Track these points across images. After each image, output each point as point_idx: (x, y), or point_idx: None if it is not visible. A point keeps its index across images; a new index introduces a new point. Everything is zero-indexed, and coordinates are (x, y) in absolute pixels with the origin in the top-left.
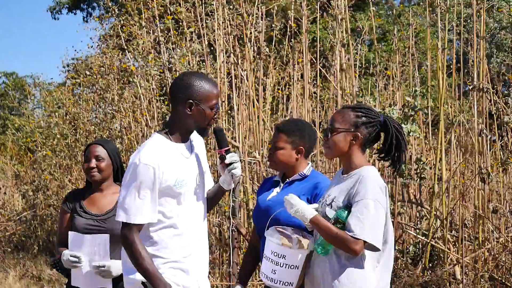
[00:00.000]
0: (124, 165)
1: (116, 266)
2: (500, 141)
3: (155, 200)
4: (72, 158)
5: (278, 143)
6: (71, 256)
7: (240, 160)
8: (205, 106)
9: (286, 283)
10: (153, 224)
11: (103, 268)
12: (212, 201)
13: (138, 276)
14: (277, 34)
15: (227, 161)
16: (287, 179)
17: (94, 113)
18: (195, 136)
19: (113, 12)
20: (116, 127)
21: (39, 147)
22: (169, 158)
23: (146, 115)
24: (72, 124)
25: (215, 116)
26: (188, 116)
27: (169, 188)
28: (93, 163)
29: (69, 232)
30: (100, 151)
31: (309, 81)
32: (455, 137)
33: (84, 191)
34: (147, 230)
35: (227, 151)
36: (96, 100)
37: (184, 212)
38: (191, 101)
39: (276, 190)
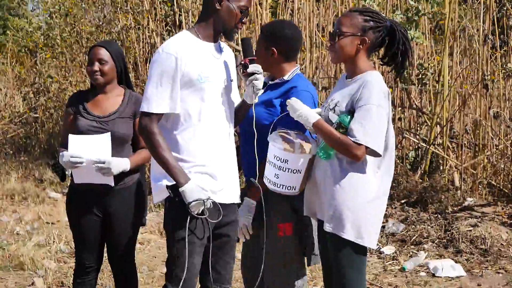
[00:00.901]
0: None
1: (116, 163)
2: (503, 48)
3: (176, 90)
4: (72, 60)
5: (257, 45)
6: (71, 157)
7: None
8: (234, 4)
9: (289, 187)
10: (177, 125)
11: (102, 165)
12: (237, 116)
13: (164, 182)
14: None
15: (249, 70)
16: (269, 82)
17: (95, 14)
18: (227, 49)
19: None
20: (117, 29)
21: (39, 49)
22: (193, 51)
23: (148, 16)
24: (73, 25)
25: (243, 20)
26: (216, 11)
27: (191, 81)
28: (96, 66)
29: (69, 136)
30: (103, 53)
31: None
32: (458, 44)
33: (88, 93)
34: (171, 133)
35: (251, 61)
36: (98, 1)
37: (208, 111)
38: None
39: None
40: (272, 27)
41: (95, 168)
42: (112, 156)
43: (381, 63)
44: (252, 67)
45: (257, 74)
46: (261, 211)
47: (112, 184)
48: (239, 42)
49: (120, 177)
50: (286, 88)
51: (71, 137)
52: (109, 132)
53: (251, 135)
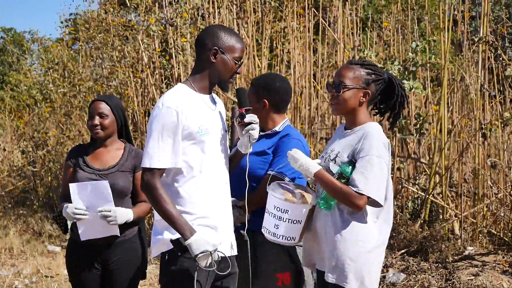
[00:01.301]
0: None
1: (121, 212)
2: (500, 96)
3: (178, 144)
4: (70, 115)
5: (248, 96)
6: (75, 209)
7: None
8: (229, 57)
9: (289, 238)
10: (178, 177)
11: (109, 213)
12: (230, 166)
13: (166, 235)
14: None
15: (246, 120)
16: (268, 131)
17: (93, 69)
18: (219, 100)
19: None
20: (115, 84)
21: (38, 104)
22: (192, 105)
23: (147, 71)
24: (70, 80)
25: (238, 70)
26: (212, 64)
27: (192, 134)
28: (97, 120)
29: (70, 184)
30: (104, 107)
31: (308, 34)
32: (455, 93)
33: (89, 146)
34: (172, 186)
35: (247, 111)
36: (95, 56)
37: (209, 163)
38: (216, 48)
39: None
40: (263, 80)
41: (100, 219)
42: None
43: (375, 113)
44: (249, 117)
45: (254, 123)
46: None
47: (118, 233)
48: (234, 92)
49: (121, 229)
50: (278, 138)
51: (72, 186)
52: (107, 180)
53: (242, 184)
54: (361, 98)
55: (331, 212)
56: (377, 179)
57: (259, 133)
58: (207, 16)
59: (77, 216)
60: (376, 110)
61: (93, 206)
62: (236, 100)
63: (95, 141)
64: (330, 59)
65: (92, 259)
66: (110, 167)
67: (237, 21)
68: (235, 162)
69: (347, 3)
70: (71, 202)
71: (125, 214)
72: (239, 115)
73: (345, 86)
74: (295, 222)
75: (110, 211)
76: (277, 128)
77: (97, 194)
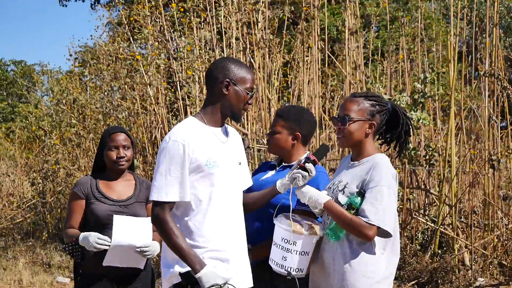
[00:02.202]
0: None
1: (156, 246)
2: (510, 127)
3: (185, 177)
4: (79, 147)
5: (276, 128)
6: (98, 238)
7: (249, 147)
8: (241, 88)
9: (297, 270)
10: (188, 211)
11: (147, 248)
12: (260, 201)
13: (177, 268)
14: (286, 19)
15: (307, 166)
16: (283, 164)
17: (102, 101)
18: (233, 132)
19: (118, 0)
20: (124, 116)
21: (47, 135)
22: (200, 137)
23: (153, 103)
24: (80, 112)
25: (250, 101)
26: (224, 96)
27: (200, 167)
28: (123, 152)
29: (114, 216)
30: (127, 139)
31: (318, 66)
32: (465, 124)
33: (97, 177)
34: (182, 220)
35: (314, 163)
36: (104, 88)
37: (218, 195)
38: (228, 80)
39: (271, 172)
40: (294, 113)
41: (134, 252)
42: None
43: (382, 143)
44: (310, 167)
45: (309, 174)
46: None
47: (142, 267)
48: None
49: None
50: None
51: (117, 218)
52: (149, 218)
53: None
54: (367, 129)
55: (340, 243)
56: (387, 210)
57: (276, 164)
58: (216, 49)
59: (99, 246)
60: (382, 140)
61: (130, 240)
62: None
63: (104, 172)
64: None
65: None
66: (129, 198)
67: (245, 53)
68: (267, 198)
69: (353, 36)
70: (79, 233)
71: (158, 247)
72: (307, 158)
73: (351, 119)
74: (302, 253)
75: (149, 246)
76: (301, 159)
77: (139, 228)
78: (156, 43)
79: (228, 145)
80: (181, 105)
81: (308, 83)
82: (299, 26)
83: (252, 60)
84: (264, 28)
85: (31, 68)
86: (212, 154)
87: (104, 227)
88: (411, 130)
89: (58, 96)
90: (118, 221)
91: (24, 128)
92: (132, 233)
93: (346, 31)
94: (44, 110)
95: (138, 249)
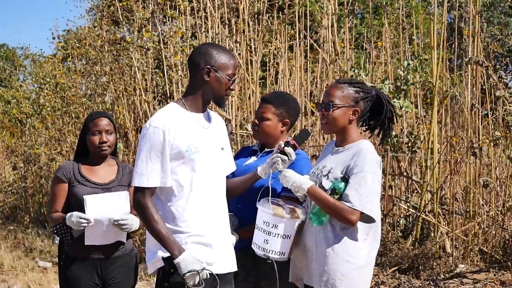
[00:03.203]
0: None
1: (135, 219)
2: (492, 116)
3: (166, 163)
4: (61, 131)
5: (265, 114)
6: (80, 218)
7: (232, 133)
8: (223, 74)
9: (279, 253)
10: (170, 196)
11: (125, 221)
12: (242, 186)
13: (160, 253)
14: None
15: (286, 150)
16: (265, 149)
17: (85, 85)
18: (216, 117)
19: None
20: (107, 100)
21: (29, 119)
22: (181, 124)
23: (140, 88)
24: (62, 96)
25: (232, 87)
26: (205, 83)
27: (180, 153)
28: (105, 137)
29: (85, 197)
30: (110, 124)
31: (299, 53)
32: (447, 111)
33: (80, 162)
34: (165, 205)
35: (294, 147)
36: (87, 72)
37: (200, 181)
38: (209, 67)
39: (253, 158)
40: (285, 99)
41: (112, 226)
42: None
43: (365, 129)
44: (290, 150)
45: (288, 158)
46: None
47: (125, 240)
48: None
49: (116, 245)
50: None
51: (88, 197)
52: (127, 192)
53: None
54: (351, 116)
55: (323, 228)
56: (371, 195)
57: (258, 149)
58: (199, 34)
59: (84, 224)
60: (366, 127)
61: (106, 215)
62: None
63: (87, 157)
64: (322, 78)
65: (92, 274)
66: (111, 181)
67: (229, 40)
68: (249, 183)
69: (335, 23)
70: (64, 216)
71: (137, 221)
72: (285, 143)
73: (335, 105)
74: (284, 237)
75: (127, 219)
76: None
77: (114, 204)
78: (147, 27)
79: (210, 130)
80: (168, 90)
81: (291, 71)
82: (284, 12)
83: (235, 46)
84: (249, 13)
85: (13, 51)
86: (193, 140)
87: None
88: (394, 117)
89: (41, 80)
90: (90, 199)
91: (5, 112)
92: (107, 208)
93: (327, 17)
94: (26, 94)
95: (116, 223)
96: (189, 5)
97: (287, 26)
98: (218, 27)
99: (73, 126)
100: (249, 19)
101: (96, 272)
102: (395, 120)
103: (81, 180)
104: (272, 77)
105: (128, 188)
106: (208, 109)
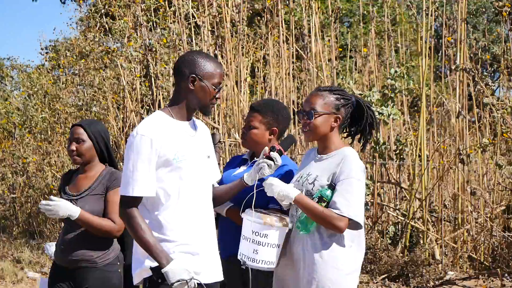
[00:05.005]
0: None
1: (64, 204)
2: (479, 122)
3: (152, 172)
4: (50, 141)
5: (252, 122)
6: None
7: (220, 142)
8: (208, 83)
9: (268, 262)
10: (157, 205)
11: (50, 207)
12: (228, 194)
13: (147, 263)
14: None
15: (272, 155)
16: (255, 158)
17: (74, 95)
18: (202, 126)
19: None
20: (95, 110)
21: (17, 130)
22: (168, 132)
23: (128, 97)
24: (50, 106)
25: (217, 96)
26: (190, 91)
27: (168, 161)
28: (73, 145)
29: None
30: (81, 133)
31: (286, 60)
32: (435, 119)
33: (74, 172)
34: (152, 214)
35: (279, 152)
36: (76, 82)
37: (187, 189)
38: (194, 75)
39: (243, 167)
40: (274, 108)
41: (41, 207)
42: (75, 230)
43: (346, 136)
44: (276, 156)
45: (274, 163)
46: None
47: (93, 255)
48: (214, 117)
49: (92, 256)
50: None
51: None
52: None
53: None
54: (333, 123)
55: (310, 235)
56: (358, 202)
57: (248, 158)
58: (185, 43)
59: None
60: (347, 133)
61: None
62: (210, 128)
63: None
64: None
65: (65, 282)
66: (82, 192)
67: (215, 48)
68: (234, 191)
69: (322, 32)
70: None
71: (70, 208)
72: (271, 148)
73: (316, 112)
74: (273, 246)
75: (51, 205)
76: None
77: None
78: (133, 33)
79: (196, 138)
80: (155, 98)
81: (279, 78)
82: (269, 19)
83: (222, 53)
84: (237, 20)
85: (0, 62)
86: (180, 148)
87: (61, 220)
88: (375, 123)
89: (29, 90)
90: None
91: None
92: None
93: (312, 25)
94: (14, 105)
95: (42, 206)
96: (173, 14)
97: (273, 32)
98: (204, 35)
99: (62, 136)
100: (233, 26)
101: (69, 281)
102: (375, 125)
103: (62, 192)
104: (262, 86)
105: (103, 195)
106: (193, 117)
